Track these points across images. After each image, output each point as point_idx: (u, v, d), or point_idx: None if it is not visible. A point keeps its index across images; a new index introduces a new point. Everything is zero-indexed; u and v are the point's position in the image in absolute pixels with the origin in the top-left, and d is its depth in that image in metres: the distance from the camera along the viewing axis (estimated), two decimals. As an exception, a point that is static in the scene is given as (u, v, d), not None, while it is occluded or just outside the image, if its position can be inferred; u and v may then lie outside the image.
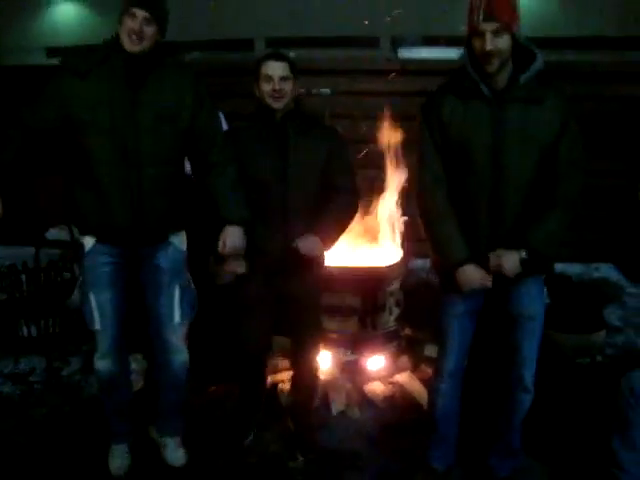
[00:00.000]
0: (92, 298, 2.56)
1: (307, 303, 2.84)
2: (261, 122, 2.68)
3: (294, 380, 3.09)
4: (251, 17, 14.54)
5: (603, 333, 4.04)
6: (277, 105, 2.60)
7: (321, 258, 2.81)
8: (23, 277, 3.82)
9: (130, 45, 2.33)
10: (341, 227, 2.76)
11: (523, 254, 2.26)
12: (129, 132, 2.38)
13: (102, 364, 2.64)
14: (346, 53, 11.49)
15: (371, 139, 4.04)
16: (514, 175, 2.25)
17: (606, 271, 5.70)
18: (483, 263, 2.32)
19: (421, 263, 5.58)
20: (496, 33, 2.10)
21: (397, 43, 14.86)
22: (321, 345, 3.06)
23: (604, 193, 5.87)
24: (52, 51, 16.40)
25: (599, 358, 3.91)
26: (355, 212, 2.84)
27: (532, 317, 2.45)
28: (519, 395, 2.53)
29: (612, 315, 4.56)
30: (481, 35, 2.12)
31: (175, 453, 2.86)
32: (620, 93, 5.63)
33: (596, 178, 5.74)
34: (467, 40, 2.21)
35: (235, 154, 2.61)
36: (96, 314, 2.57)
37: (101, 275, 2.56)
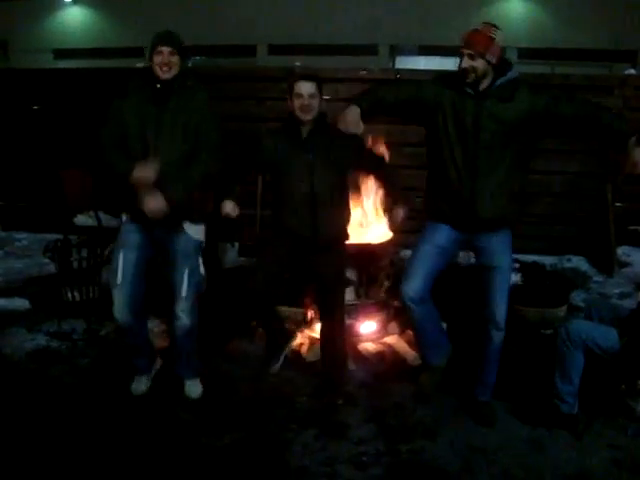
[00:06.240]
0: (120, 256, 3.26)
1: (333, 277, 3.51)
2: (292, 130, 3.36)
3: (324, 337, 3.69)
4: (254, 24, 15.15)
5: (564, 309, 4.68)
6: (306, 117, 3.29)
7: (345, 237, 3.59)
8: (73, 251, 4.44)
9: (162, 74, 3.10)
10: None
11: (633, 139, 2.87)
12: (152, 137, 3.12)
13: (118, 314, 3.28)
14: (346, 61, 12.10)
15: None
16: (486, 147, 2.98)
17: (577, 262, 6.32)
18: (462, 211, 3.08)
19: (409, 253, 6.25)
20: (471, 56, 2.90)
21: (395, 51, 15.46)
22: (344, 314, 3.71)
23: (578, 193, 6.52)
24: (59, 53, 16.98)
25: (560, 329, 4.53)
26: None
27: (500, 267, 3.14)
28: (491, 332, 3.16)
29: (577, 297, 5.17)
30: (460, 56, 2.93)
31: (192, 388, 3.54)
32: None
33: (571, 179, 6.42)
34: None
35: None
36: (120, 271, 3.24)
37: (131, 239, 3.29)
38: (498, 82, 2.97)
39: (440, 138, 3.08)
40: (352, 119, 3.06)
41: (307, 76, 3.32)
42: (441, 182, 3.16)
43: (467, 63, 2.91)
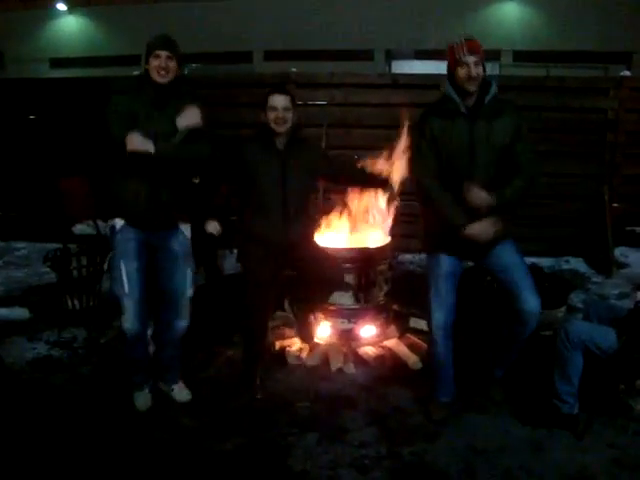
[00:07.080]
0: (122, 267, 3.22)
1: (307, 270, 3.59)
2: (266, 141, 3.46)
3: None
4: (250, 31, 15.20)
5: (563, 310, 4.70)
6: (280, 129, 3.40)
7: (311, 240, 3.74)
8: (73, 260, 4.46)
9: (159, 78, 3.12)
10: None
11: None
12: (153, 140, 3.09)
13: (129, 324, 3.26)
14: (342, 66, 12.14)
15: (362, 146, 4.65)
16: (482, 164, 3.04)
17: (575, 264, 6.39)
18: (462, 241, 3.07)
19: (408, 257, 6.28)
20: (476, 63, 2.95)
21: (391, 56, 15.50)
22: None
23: (575, 195, 6.55)
24: (55, 62, 17.01)
25: (560, 331, 4.54)
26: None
27: (514, 263, 3.17)
28: (526, 319, 3.15)
29: (576, 299, 5.19)
30: (465, 65, 2.94)
31: (181, 393, 3.55)
32: (584, 105, 6.30)
33: (568, 180, 6.45)
34: (449, 75, 3.05)
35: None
36: (125, 280, 3.21)
37: (129, 248, 3.24)
38: (486, 99, 3.02)
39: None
40: (482, 197, 2.99)
41: (281, 90, 3.47)
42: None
43: (475, 71, 2.94)
